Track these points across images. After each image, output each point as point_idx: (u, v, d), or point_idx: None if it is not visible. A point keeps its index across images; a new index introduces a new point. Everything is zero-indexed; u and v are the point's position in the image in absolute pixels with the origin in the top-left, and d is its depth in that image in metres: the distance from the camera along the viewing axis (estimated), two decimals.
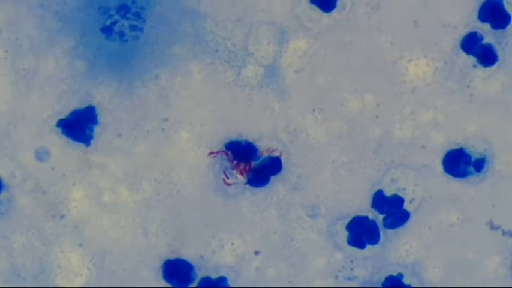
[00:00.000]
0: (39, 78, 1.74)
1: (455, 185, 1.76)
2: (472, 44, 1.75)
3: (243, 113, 1.77)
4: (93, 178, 1.75)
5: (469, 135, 1.78)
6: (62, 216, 1.73)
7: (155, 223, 1.76)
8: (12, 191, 1.74)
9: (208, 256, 1.77)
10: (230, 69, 1.75)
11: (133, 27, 1.73)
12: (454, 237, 1.77)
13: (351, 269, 1.76)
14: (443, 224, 1.76)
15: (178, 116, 1.76)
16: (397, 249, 1.76)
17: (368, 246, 1.77)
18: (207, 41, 1.75)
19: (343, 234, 1.76)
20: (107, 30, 1.72)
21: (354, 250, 1.76)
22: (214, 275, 1.76)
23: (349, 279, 1.75)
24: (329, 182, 1.78)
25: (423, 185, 1.77)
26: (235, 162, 1.79)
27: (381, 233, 1.77)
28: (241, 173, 1.79)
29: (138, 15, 1.72)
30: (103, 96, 1.74)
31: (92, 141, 1.76)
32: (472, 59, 1.75)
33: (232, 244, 1.76)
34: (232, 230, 1.78)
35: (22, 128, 1.74)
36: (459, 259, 1.77)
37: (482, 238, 1.77)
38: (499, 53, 1.76)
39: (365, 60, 1.75)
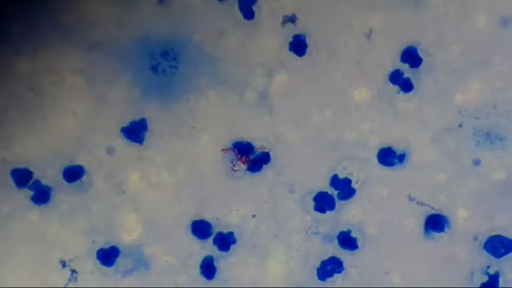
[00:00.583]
0: (109, 100, 2.20)
1: (385, 171, 2.22)
2: (396, 77, 2.20)
3: (245, 123, 2.22)
4: (145, 166, 2.21)
5: (395, 138, 2.22)
6: (124, 192, 2.21)
7: (186, 195, 2.22)
8: (91, 175, 2.21)
9: (222, 218, 2.23)
10: (236, 94, 2.21)
11: (171, 66, 2.20)
12: (384, 206, 2.22)
13: (316, 227, 2.22)
14: (377, 197, 2.22)
15: (202, 125, 2.21)
16: (347, 213, 2.22)
17: (328, 212, 2.22)
18: (220, 75, 2.20)
19: (311, 204, 2.22)
20: (154, 68, 2.19)
21: (318, 214, 2.22)
22: (225, 231, 2.22)
23: (315, 233, 2.22)
24: (302, 168, 2.23)
25: (364, 171, 2.22)
26: (239, 155, 2.22)
27: (336, 203, 2.22)
28: (243, 163, 2.22)
29: (175, 59, 2.19)
30: (151, 112, 2.20)
31: (144, 142, 2.21)
32: (396, 88, 2.20)
33: (238, 210, 2.23)
34: (237, 200, 2.23)
35: (98, 132, 2.20)
36: (388, 220, 2.22)
37: (403, 206, 2.22)
38: (415, 84, 2.20)
39: (325, 89, 2.20)
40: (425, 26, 2.17)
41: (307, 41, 2.17)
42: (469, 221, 2.19)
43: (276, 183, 2.20)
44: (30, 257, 2.19)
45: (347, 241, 2.21)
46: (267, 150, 2.20)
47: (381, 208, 2.20)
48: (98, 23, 2.16)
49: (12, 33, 2.14)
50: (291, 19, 2.16)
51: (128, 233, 2.20)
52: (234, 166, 2.19)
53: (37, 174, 2.17)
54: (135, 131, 2.19)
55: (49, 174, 2.19)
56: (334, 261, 2.21)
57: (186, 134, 2.19)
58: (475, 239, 2.18)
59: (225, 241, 2.21)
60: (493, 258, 2.18)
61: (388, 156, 2.20)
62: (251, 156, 2.19)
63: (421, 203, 2.21)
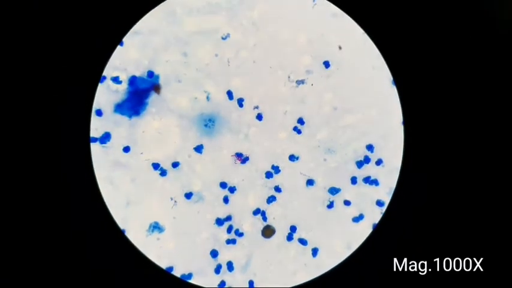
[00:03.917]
0: (189, 138, 4.06)
1: (291, 163, 5.36)
2: (295, 129, 5.17)
3: (239, 146, 4.16)
4: (204, 162, 4.47)
5: (295, 151, 5.13)
6: (194, 171, 4.99)
7: (218, 172, 4.12)
8: (184, 164, 5.05)
9: (231, 181, 4.17)
10: (236, 135, 4.14)
11: (212, 125, 3.90)
12: (294, 171, 5.36)
13: (266, 184, 4.28)
14: (290, 167, 5.37)
15: (224, 146, 4.12)
16: (279, 177, 5.19)
17: (270, 178, 4.65)
18: (231, 129, 4.06)
19: (264, 175, 4.19)
20: (206, 126, 4.29)
21: (267, 180, 4.37)
22: (232, 185, 4.09)
23: (265, 186, 4.89)
24: (260, 162, 4.17)
25: (286, 165, 5.34)
26: (237, 157, 4.11)
27: (274, 175, 4.93)
28: (239, 161, 4.11)
29: (213, 122, 4.61)
30: (204, 142, 4.08)
31: (202, 153, 4.28)
32: (295, 132, 5.10)
33: (237, 177, 4.14)
34: (236, 174, 4.17)
35: (186, 149, 4.10)
36: (296, 180, 5.30)
37: (300, 177, 5.37)
38: (302, 131, 5.29)
39: (268, 133, 5.04)
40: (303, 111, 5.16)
41: (262, 115, 4.17)
42: (320, 183, 4.22)
43: (251, 168, 4.21)
44: (160, 199, 4.20)
45: (277, 189, 4.22)
46: (247, 155, 4.17)
47: (294, 173, 4.38)
48: (186, 111, 4.83)
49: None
50: (256, 107, 4.20)
51: (196, 186, 4.17)
52: (235, 162, 4.12)
53: (163, 166, 4.34)
54: (199, 149, 4.16)
55: (168, 164, 4.26)
56: (273, 197, 4.23)
57: (218, 150, 4.15)
58: (324, 188, 4.19)
59: (232, 189, 4.18)
60: (331, 195, 4.20)
61: (292, 158, 4.27)
62: (241, 158, 4.18)
63: (305, 175, 4.25)
